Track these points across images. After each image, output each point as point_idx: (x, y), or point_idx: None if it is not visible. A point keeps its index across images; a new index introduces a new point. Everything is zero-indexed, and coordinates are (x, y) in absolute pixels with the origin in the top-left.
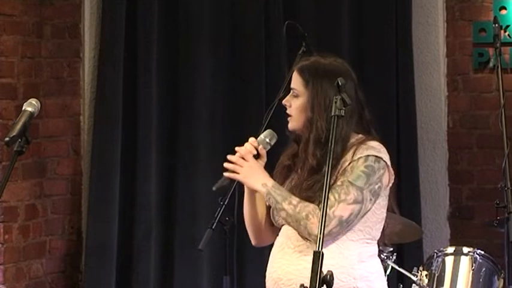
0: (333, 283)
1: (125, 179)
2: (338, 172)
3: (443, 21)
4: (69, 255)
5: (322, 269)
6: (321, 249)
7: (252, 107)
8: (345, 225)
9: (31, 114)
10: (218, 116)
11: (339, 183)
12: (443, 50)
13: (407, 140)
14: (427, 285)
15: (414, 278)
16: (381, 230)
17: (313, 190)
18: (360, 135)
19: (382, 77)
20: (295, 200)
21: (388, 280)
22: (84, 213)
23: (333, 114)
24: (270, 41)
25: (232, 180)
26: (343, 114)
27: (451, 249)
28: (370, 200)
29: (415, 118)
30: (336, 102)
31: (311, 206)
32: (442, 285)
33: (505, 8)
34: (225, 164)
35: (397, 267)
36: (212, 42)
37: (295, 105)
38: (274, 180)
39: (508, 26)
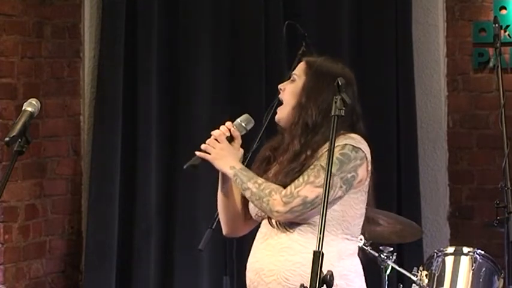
0: (333, 283)
1: (125, 179)
2: (316, 159)
3: (443, 21)
4: (69, 255)
5: (302, 263)
6: (321, 249)
7: (252, 107)
8: (309, 206)
9: (31, 114)
10: (218, 116)
11: (311, 166)
12: (443, 50)
13: (407, 140)
14: (427, 285)
15: (414, 278)
16: (360, 227)
17: (287, 177)
18: (342, 131)
19: (382, 77)
20: (260, 180)
21: (388, 280)
22: (84, 213)
23: (333, 114)
24: (270, 41)
25: (203, 160)
26: (343, 114)
27: (451, 249)
28: (341, 187)
29: (415, 118)
30: (336, 102)
31: (275, 185)
32: (442, 285)
33: (505, 8)
34: (202, 146)
35: (397, 267)
36: (212, 43)
37: (290, 89)
38: (253, 171)
39: (508, 26)
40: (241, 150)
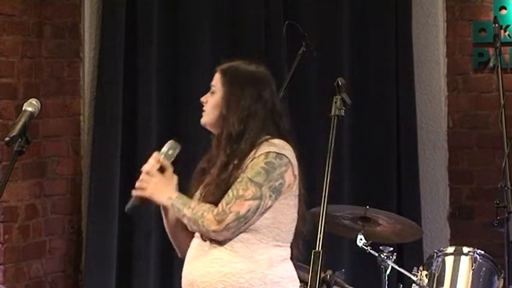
0: (333, 283)
1: (125, 179)
2: (242, 171)
3: (443, 21)
4: (69, 255)
5: (233, 273)
6: (321, 249)
7: None
8: (243, 220)
9: (31, 114)
10: None
11: (239, 179)
12: (443, 50)
13: (407, 140)
14: (427, 285)
15: (414, 278)
16: (293, 232)
17: (218, 189)
18: (268, 136)
19: (382, 77)
20: (193, 203)
21: (388, 280)
22: (84, 213)
23: (332, 114)
24: (270, 41)
25: (143, 199)
26: (343, 114)
27: (451, 249)
28: (270, 196)
29: (415, 118)
30: (335, 102)
31: (207, 205)
32: (442, 285)
33: (505, 8)
34: (136, 184)
35: (397, 267)
36: (212, 42)
37: (211, 102)
38: (191, 184)
39: (508, 26)
40: (175, 177)
